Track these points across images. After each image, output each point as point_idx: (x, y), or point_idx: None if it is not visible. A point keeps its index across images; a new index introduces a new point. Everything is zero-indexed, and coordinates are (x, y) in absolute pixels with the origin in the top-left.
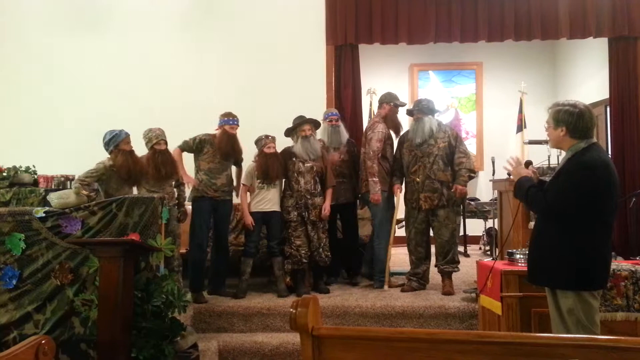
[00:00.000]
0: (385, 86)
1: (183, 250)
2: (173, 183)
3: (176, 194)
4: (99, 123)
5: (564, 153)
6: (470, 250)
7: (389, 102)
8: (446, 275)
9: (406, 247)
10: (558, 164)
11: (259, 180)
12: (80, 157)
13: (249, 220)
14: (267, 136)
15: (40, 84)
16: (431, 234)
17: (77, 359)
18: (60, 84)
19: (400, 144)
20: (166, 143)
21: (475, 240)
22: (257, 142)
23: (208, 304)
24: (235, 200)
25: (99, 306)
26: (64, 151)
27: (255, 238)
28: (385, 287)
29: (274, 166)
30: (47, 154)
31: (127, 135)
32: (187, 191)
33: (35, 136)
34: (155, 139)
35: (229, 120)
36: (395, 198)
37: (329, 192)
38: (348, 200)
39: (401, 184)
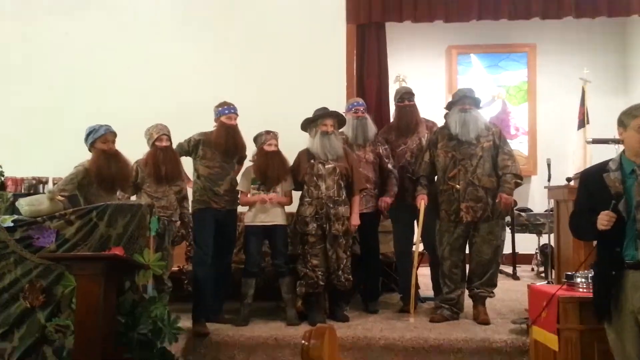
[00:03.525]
0: (418, 73)
1: (175, 268)
2: (176, 192)
3: (178, 210)
4: (84, 119)
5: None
6: (521, 271)
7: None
8: (480, 301)
9: (429, 268)
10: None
11: (254, 185)
12: (56, 157)
13: (263, 197)
14: (268, 132)
15: (13, 72)
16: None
17: None
18: (36, 73)
19: (432, 144)
20: (170, 139)
21: (526, 259)
22: (256, 139)
23: None
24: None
25: (75, 333)
26: (37, 150)
27: (255, 255)
28: (411, 319)
29: (275, 166)
30: (15, 153)
31: (108, 132)
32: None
33: (2, 133)
34: (157, 134)
35: (225, 109)
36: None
37: (356, 200)
38: (370, 210)
39: (427, 194)
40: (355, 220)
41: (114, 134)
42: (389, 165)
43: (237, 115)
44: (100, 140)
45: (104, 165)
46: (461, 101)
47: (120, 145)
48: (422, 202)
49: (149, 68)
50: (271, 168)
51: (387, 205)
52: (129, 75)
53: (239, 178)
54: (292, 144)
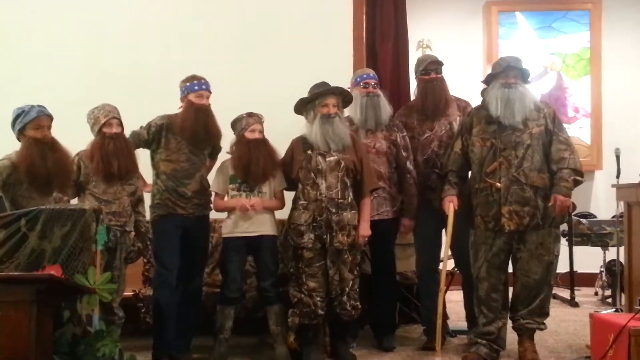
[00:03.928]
0: (447, 37)
1: (130, 293)
2: (130, 193)
3: (133, 217)
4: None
5: None
6: (581, 296)
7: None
8: (527, 335)
9: (461, 291)
10: None
11: (233, 185)
12: None
13: (244, 202)
14: (250, 114)
15: None
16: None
17: None
18: None
19: (465, 129)
20: (121, 124)
21: (588, 280)
22: (234, 124)
23: None
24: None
25: None
26: None
27: (235, 276)
28: (437, 359)
29: (259, 159)
30: None
31: (42, 114)
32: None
33: None
34: (105, 117)
35: (195, 84)
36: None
37: (367, 204)
38: (384, 216)
39: (457, 194)
40: (366, 230)
41: (50, 117)
42: (408, 164)
43: (210, 92)
44: (32, 125)
45: (37, 158)
46: (504, 73)
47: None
48: (450, 206)
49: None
50: (255, 161)
51: (408, 229)
52: (96, 54)
53: (212, 176)
54: (284, 131)
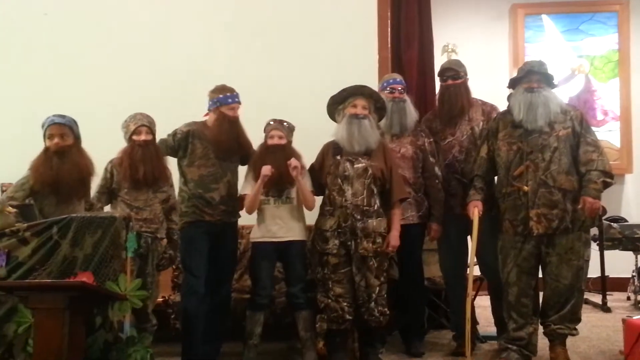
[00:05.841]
0: (473, 41)
1: (159, 299)
2: (162, 200)
3: (164, 224)
4: (50, 106)
5: None
6: (613, 300)
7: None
8: (558, 341)
9: (489, 296)
10: None
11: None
12: (12, 157)
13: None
14: (273, 120)
15: None
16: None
17: None
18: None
19: (491, 133)
20: (152, 132)
21: (620, 285)
22: (264, 129)
23: None
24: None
25: None
26: None
27: (265, 282)
28: None
29: (278, 165)
30: None
31: (52, 123)
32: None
33: None
34: (134, 125)
35: (228, 97)
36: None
37: (397, 214)
38: (410, 221)
39: (482, 199)
40: (395, 240)
41: (60, 127)
42: (436, 169)
43: (239, 103)
44: (46, 135)
45: (42, 167)
46: (526, 78)
47: (106, 143)
48: (475, 211)
49: (138, 51)
50: (273, 167)
51: (436, 234)
52: (116, 61)
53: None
54: (307, 136)
